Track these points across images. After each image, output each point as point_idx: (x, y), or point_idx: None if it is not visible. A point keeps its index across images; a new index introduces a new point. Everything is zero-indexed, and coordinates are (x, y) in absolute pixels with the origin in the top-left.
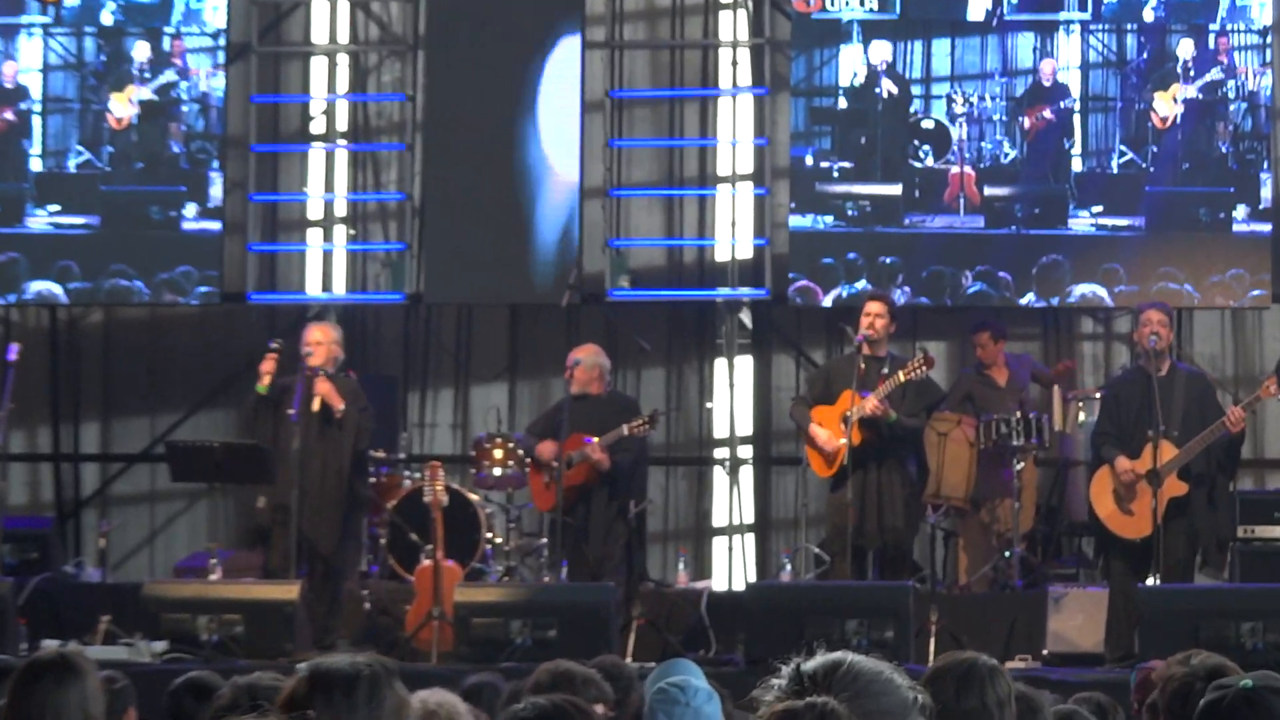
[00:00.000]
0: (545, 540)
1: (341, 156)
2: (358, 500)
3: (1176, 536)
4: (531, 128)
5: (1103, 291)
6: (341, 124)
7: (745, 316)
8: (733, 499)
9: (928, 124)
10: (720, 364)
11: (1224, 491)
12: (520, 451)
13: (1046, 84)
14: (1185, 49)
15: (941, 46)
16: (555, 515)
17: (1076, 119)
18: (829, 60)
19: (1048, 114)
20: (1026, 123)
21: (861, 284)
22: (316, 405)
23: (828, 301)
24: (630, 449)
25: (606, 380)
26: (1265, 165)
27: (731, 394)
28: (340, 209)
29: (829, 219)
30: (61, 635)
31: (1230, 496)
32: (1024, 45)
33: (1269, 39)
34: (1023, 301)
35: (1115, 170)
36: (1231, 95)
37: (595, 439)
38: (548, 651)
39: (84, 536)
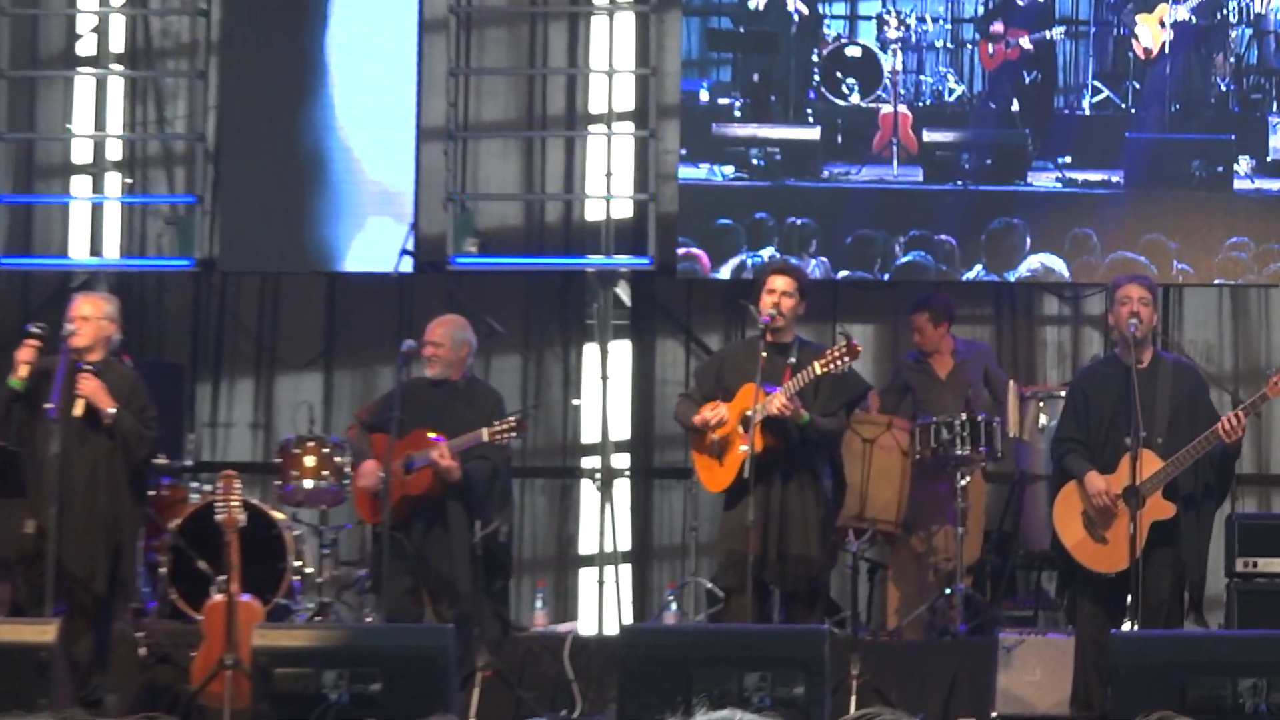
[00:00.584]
0: (368, 570)
1: (116, 86)
2: (131, 519)
3: (1160, 571)
4: (356, 52)
5: (1069, 264)
6: (117, 45)
7: (623, 291)
8: (604, 520)
9: (853, 51)
10: (591, 350)
11: (1207, 516)
12: (339, 459)
13: (1021, 1)
14: None
15: None
16: (382, 532)
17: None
18: None
19: (1025, 43)
20: (988, 50)
21: (769, 252)
22: (80, 409)
23: (725, 273)
24: (488, 456)
25: (468, 366)
26: (1275, 107)
27: (604, 388)
28: (114, 152)
29: (728, 170)
30: None
31: (1229, 521)
32: None
33: None
34: (969, 275)
35: (1088, 112)
36: (1233, 19)
37: (445, 440)
38: (369, 709)
39: None
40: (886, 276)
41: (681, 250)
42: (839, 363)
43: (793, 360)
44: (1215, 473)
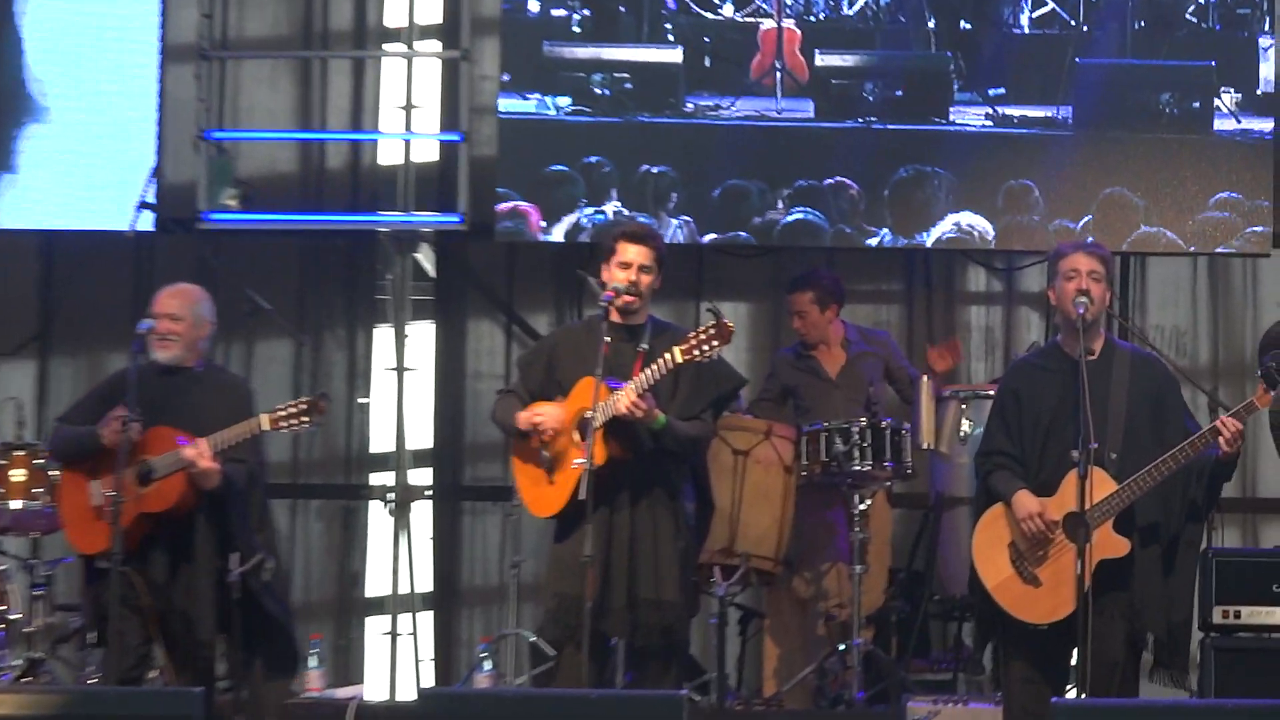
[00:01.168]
0: (89, 617)
1: None
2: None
3: (1112, 622)
4: None
5: (1000, 226)
6: None
7: (425, 258)
8: (399, 554)
9: None
10: (383, 334)
11: (1190, 549)
12: (56, 473)
13: None
14: None
15: None
16: (110, 565)
17: None
18: None
19: None
20: None
21: (613, 208)
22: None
23: (558, 235)
24: (244, 459)
25: (205, 351)
26: (1266, 24)
27: (400, 383)
28: None
29: (564, 101)
30: None
31: (1200, 559)
32: None
33: None
34: (872, 241)
35: (1027, 30)
36: None
37: (190, 439)
38: None
39: None
40: (752, 239)
41: (502, 206)
42: (705, 349)
43: (644, 347)
44: (1199, 493)
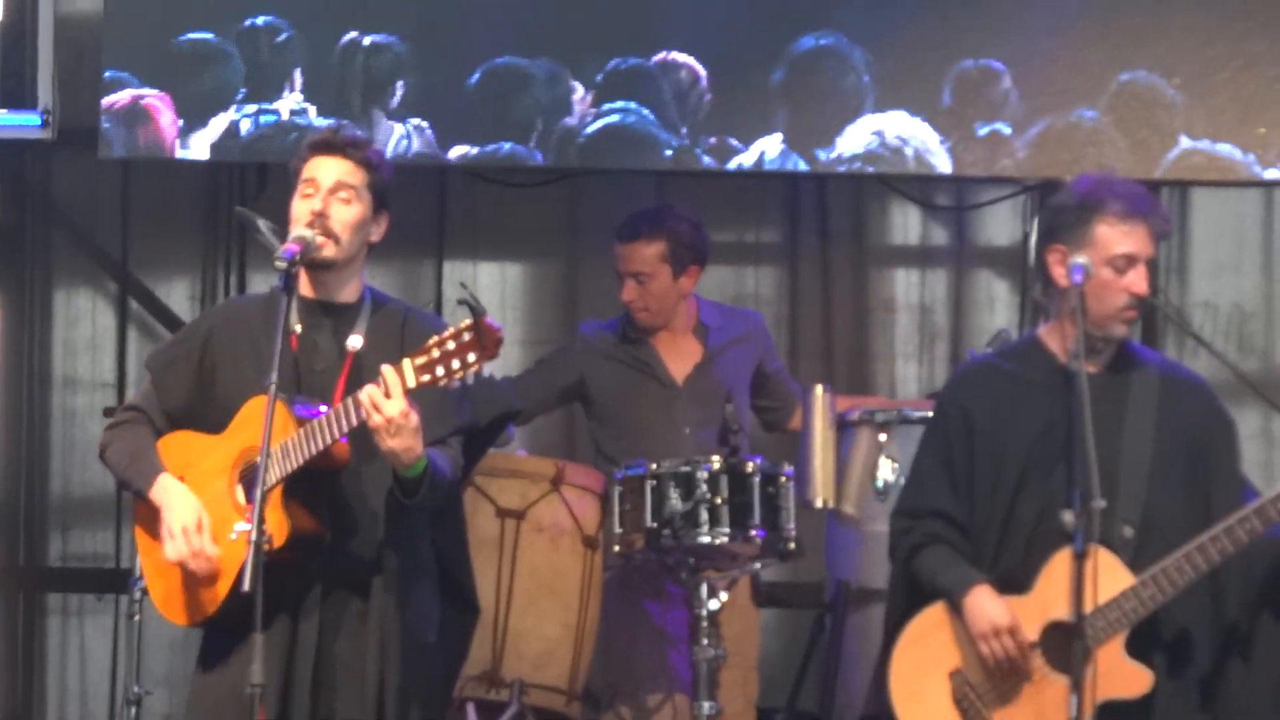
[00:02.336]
0: None
1: None
2: None
3: None
4: None
5: (950, 139)
6: None
7: None
8: None
9: None
10: None
11: (1244, 672)
12: None
13: None
14: None
15: None
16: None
17: None
18: None
19: None
20: None
21: (293, 103)
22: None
23: (201, 148)
24: None
25: None
26: None
27: None
28: None
29: None
30: None
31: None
32: None
33: None
34: (743, 162)
35: None
36: None
37: None
38: None
39: None
40: (564, 160)
41: (110, 99)
42: (453, 367)
43: (355, 343)
44: (1260, 592)
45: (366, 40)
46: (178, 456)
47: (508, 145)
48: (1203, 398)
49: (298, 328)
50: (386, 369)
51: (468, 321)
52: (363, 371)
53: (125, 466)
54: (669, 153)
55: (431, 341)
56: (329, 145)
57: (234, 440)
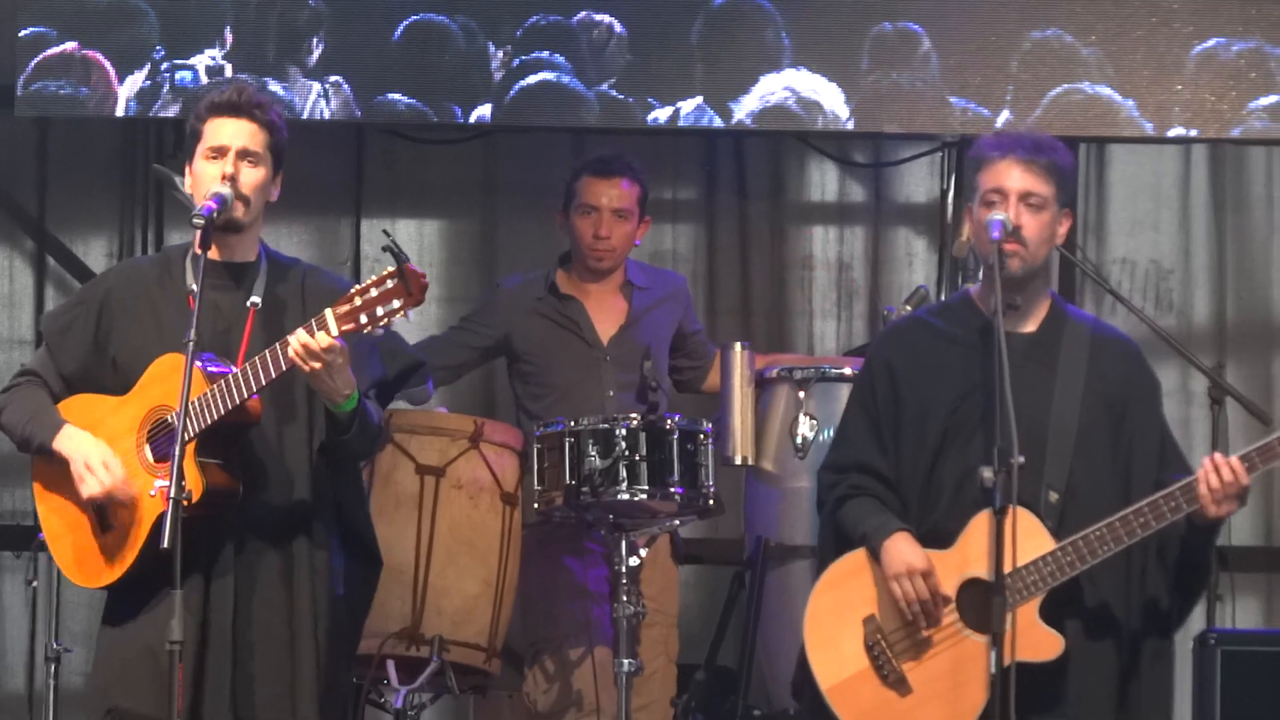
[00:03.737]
0: None
1: None
2: None
3: None
4: None
5: (854, 97)
6: None
7: None
8: None
9: None
10: None
11: (1157, 663)
12: None
13: None
14: None
15: None
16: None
17: None
18: None
19: None
20: None
21: (209, 59)
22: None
23: (116, 104)
24: None
25: None
26: None
27: None
28: None
29: None
30: None
31: (1198, 648)
32: None
33: None
34: (658, 115)
35: None
36: None
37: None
38: None
39: None
40: (458, 114)
41: (44, 54)
42: (377, 313)
43: (255, 300)
44: (1172, 566)
45: (293, 3)
46: (81, 417)
47: (425, 102)
48: (1129, 358)
49: (194, 288)
50: (311, 322)
51: (390, 269)
52: (264, 329)
53: (24, 424)
54: (587, 110)
55: (353, 290)
56: (234, 107)
57: (140, 399)
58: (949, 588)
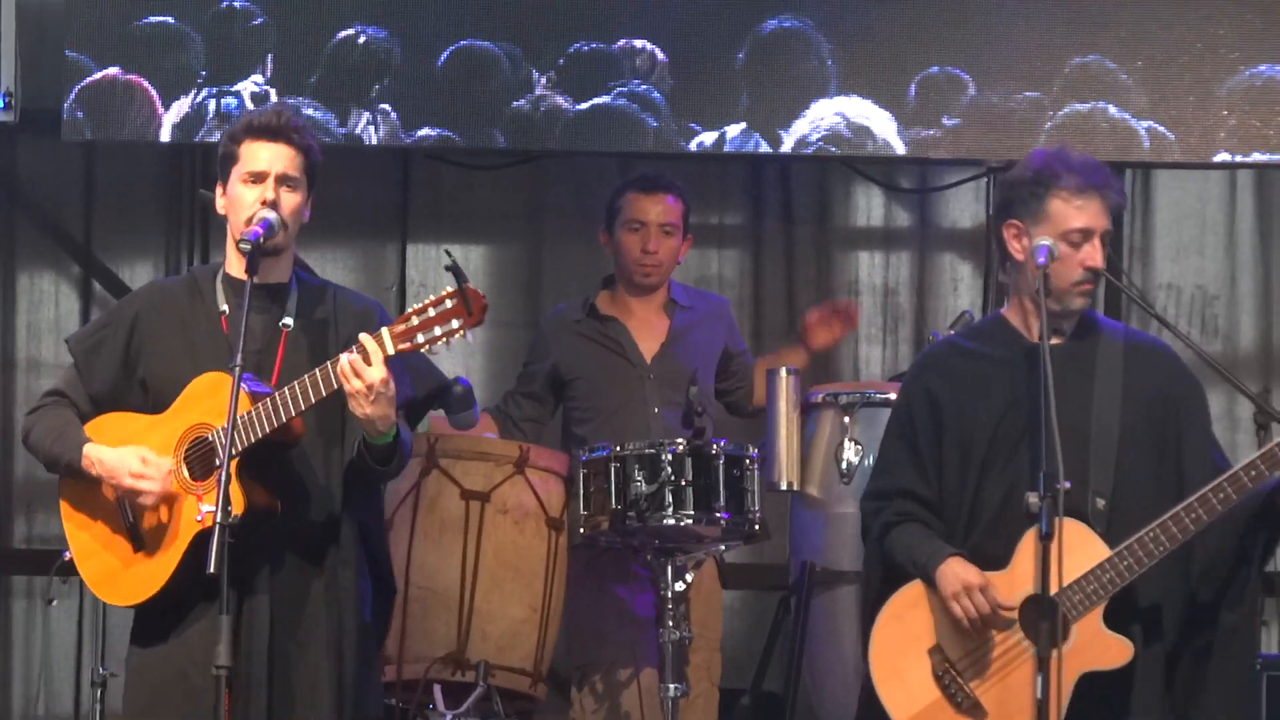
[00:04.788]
0: None
1: None
2: None
3: None
4: None
5: (905, 126)
6: None
7: None
8: None
9: None
10: None
11: (1231, 644)
12: None
13: None
14: None
15: None
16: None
17: None
18: None
19: None
20: None
21: (253, 86)
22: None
23: (163, 130)
24: None
25: None
26: None
27: None
28: None
29: None
30: None
31: (1248, 664)
32: None
33: None
34: (703, 141)
35: None
36: None
37: None
38: None
39: None
40: (525, 143)
41: (85, 81)
42: (437, 332)
43: (287, 322)
44: (1235, 556)
45: (337, 31)
46: (115, 435)
47: (470, 129)
48: (1167, 362)
49: (224, 308)
50: (365, 337)
51: (450, 289)
52: (296, 350)
53: (51, 443)
54: (633, 136)
55: (411, 310)
56: (273, 131)
57: (178, 419)
58: (1010, 600)
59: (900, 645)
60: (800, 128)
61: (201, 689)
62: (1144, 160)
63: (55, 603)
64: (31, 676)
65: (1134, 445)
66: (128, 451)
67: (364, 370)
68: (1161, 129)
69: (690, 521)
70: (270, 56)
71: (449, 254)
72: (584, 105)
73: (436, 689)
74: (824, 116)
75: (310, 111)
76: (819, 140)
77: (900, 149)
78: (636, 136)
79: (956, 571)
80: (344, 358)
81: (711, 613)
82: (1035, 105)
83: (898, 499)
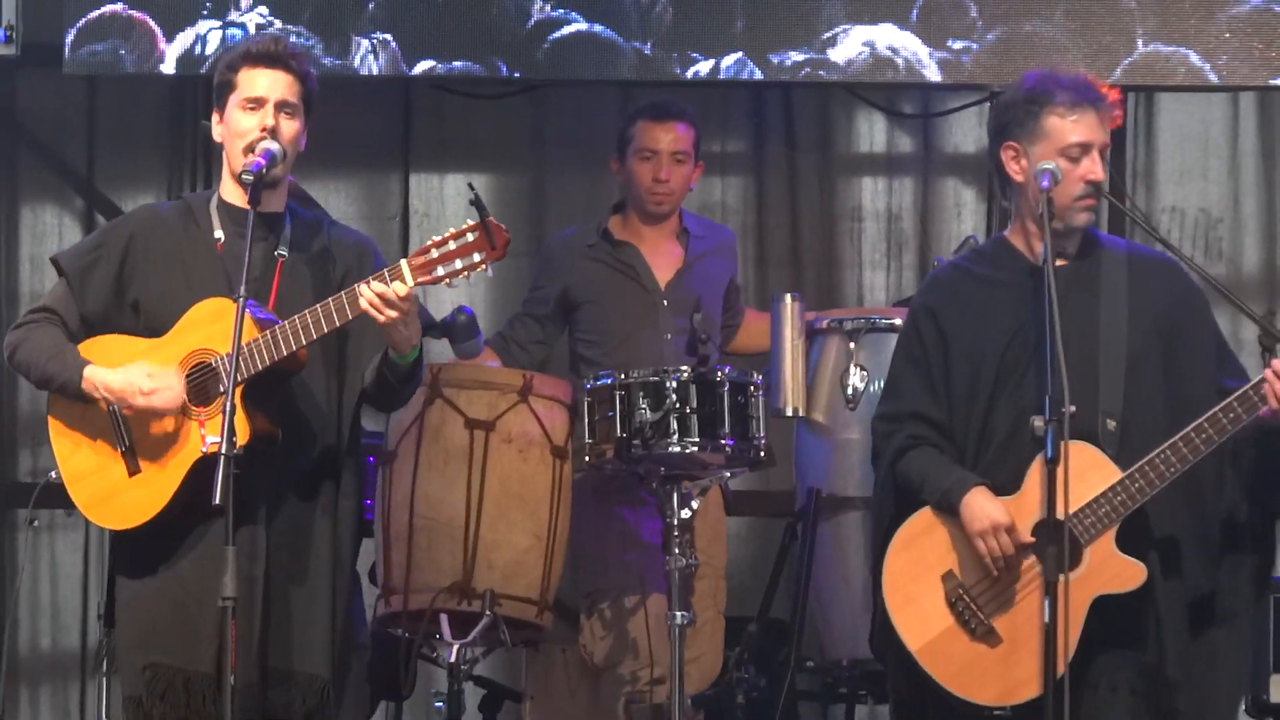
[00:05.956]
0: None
1: None
2: None
3: (1117, 701)
4: None
5: (916, 47)
6: None
7: None
8: None
9: None
10: None
11: (1240, 576)
12: None
13: None
14: None
15: None
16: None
17: None
18: None
19: None
20: None
21: (257, 17)
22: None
23: (167, 62)
24: None
25: None
26: None
27: None
28: None
29: None
30: None
31: (1266, 590)
32: None
33: None
34: (698, 70)
35: None
36: None
37: None
38: None
39: None
40: (526, 70)
41: (90, 15)
42: (459, 265)
43: (282, 252)
44: (1247, 473)
45: None
46: (113, 358)
47: (471, 57)
48: (1172, 275)
49: (220, 235)
50: (385, 270)
51: (470, 223)
52: (291, 280)
53: (46, 361)
54: (631, 63)
55: (430, 242)
56: (271, 58)
57: (179, 342)
58: (1026, 533)
59: (912, 573)
60: (803, 53)
61: (198, 619)
62: (1144, 83)
63: (36, 523)
64: (38, 610)
65: (1143, 364)
66: (133, 370)
67: (392, 299)
68: (1166, 51)
69: (695, 449)
70: None
71: (472, 187)
72: (583, 32)
73: (443, 619)
74: (827, 41)
75: (308, 43)
76: (820, 66)
77: (906, 77)
78: (632, 64)
79: (985, 507)
80: (365, 289)
81: (716, 541)
82: (1035, 32)
83: (910, 422)
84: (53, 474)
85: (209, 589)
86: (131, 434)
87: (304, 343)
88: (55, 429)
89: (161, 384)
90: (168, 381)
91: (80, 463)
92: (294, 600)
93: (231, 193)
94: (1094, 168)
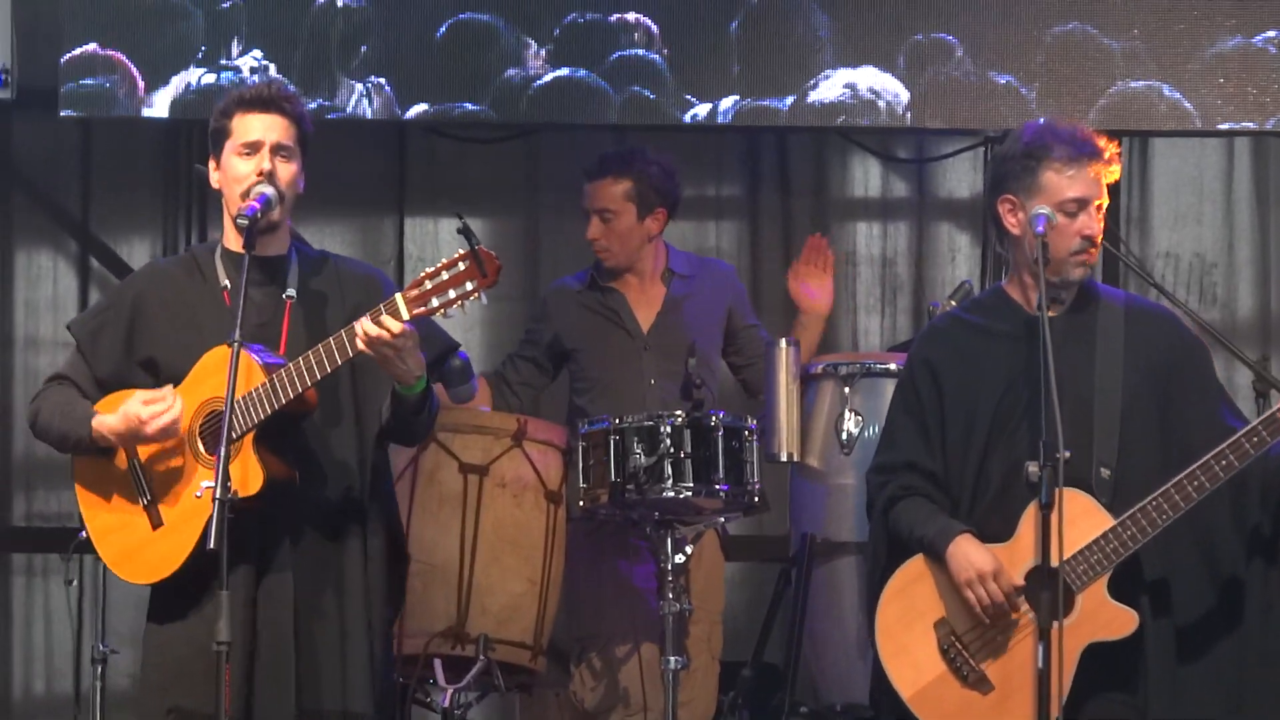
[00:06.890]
0: None
1: None
2: None
3: None
4: None
5: (913, 91)
6: None
7: None
8: None
9: None
10: None
11: (1255, 613)
12: None
13: None
14: None
15: None
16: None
17: None
18: None
19: None
20: None
21: (252, 61)
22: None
23: (160, 106)
24: None
25: None
26: None
27: None
28: None
29: None
30: None
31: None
32: None
33: None
34: (697, 112)
35: None
36: None
37: None
38: None
39: None
40: (515, 115)
41: (73, 54)
42: (451, 295)
43: (290, 294)
44: (1262, 515)
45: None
46: None
47: (465, 101)
48: (1169, 327)
49: (226, 283)
50: (381, 306)
51: (461, 252)
52: (301, 321)
53: (59, 421)
54: (619, 107)
55: (423, 274)
56: (265, 102)
57: (192, 393)
58: (1016, 579)
59: (905, 620)
60: (800, 99)
61: (217, 662)
62: (1143, 129)
63: (74, 583)
64: (32, 654)
65: (1138, 413)
66: (129, 404)
67: (386, 326)
68: (1161, 95)
69: (689, 493)
70: (259, 30)
71: (460, 217)
72: (573, 75)
73: (437, 663)
74: (820, 87)
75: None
76: (816, 111)
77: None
78: (628, 108)
79: (970, 555)
80: (359, 327)
81: (713, 585)
82: (1029, 74)
83: (903, 472)
84: (82, 533)
85: (232, 633)
86: (152, 487)
87: (308, 384)
88: (80, 491)
89: (158, 406)
90: (166, 402)
91: (105, 520)
92: (329, 640)
93: (233, 240)
94: (1090, 223)
